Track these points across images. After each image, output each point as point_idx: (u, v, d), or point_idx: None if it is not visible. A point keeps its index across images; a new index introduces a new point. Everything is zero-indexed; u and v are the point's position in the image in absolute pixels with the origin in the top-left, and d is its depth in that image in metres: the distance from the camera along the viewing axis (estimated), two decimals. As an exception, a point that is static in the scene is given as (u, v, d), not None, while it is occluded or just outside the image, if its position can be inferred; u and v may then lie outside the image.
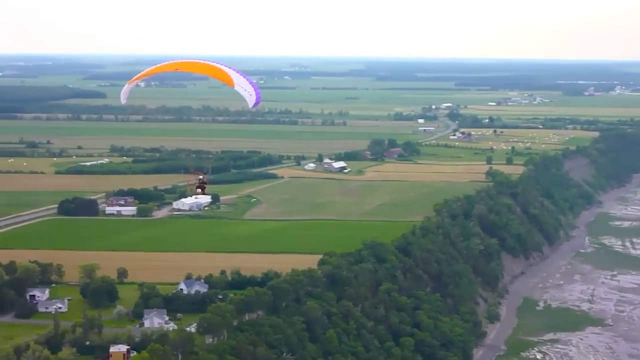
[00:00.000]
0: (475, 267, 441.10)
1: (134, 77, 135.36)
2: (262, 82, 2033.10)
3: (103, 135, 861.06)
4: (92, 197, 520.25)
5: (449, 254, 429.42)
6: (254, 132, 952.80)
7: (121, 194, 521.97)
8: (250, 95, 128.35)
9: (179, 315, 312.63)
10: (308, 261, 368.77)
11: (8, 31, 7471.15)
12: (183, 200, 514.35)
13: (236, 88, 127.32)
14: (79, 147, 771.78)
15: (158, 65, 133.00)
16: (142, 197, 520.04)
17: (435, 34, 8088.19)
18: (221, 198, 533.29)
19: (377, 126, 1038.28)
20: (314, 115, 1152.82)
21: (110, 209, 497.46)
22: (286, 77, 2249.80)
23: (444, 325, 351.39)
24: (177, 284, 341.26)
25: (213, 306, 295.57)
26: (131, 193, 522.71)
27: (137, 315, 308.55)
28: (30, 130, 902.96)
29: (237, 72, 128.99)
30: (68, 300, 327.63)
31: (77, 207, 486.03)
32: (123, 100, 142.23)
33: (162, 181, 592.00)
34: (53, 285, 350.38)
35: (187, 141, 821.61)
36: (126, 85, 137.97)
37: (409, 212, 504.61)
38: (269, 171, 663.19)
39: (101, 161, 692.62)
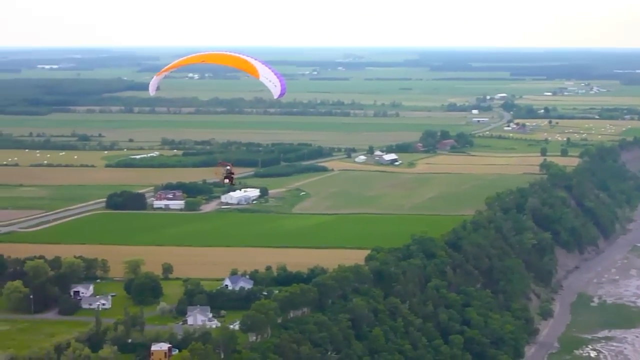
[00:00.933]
0: (527, 262, 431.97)
1: (162, 70, 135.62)
2: (315, 73, 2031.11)
3: (155, 128, 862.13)
4: (140, 191, 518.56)
5: (500, 248, 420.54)
6: (305, 124, 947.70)
7: (170, 187, 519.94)
8: (275, 86, 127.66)
9: (223, 312, 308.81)
10: (355, 256, 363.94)
11: (65, 24, 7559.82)
12: (231, 194, 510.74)
13: (261, 79, 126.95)
14: (130, 140, 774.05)
15: (185, 57, 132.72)
16: (191, 191, 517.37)
17: (491, 23, 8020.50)
18: (270, 192, 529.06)
19: (430, 117, 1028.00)
20: (366, 106, 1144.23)
21: (158, 203, 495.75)
22: (340, 68, 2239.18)
23: (495, 322, 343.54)
24: (222, 279, 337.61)
25: (257, 303, 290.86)
26: (180, 187, 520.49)
27: (180, 312, 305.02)
28: (83, 123, 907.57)
29: (263, 64, 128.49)
30: (112, 296, 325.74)
31: (125, 201, 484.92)
32: (152, 92, 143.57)
33: (211, 174, 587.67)
34: (98, 280, 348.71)
35: (238, 133, 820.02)
36: (154, 77, 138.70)
37: (461, 206, 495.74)
38: (319, 164, 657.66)
39: (151, 154, 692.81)
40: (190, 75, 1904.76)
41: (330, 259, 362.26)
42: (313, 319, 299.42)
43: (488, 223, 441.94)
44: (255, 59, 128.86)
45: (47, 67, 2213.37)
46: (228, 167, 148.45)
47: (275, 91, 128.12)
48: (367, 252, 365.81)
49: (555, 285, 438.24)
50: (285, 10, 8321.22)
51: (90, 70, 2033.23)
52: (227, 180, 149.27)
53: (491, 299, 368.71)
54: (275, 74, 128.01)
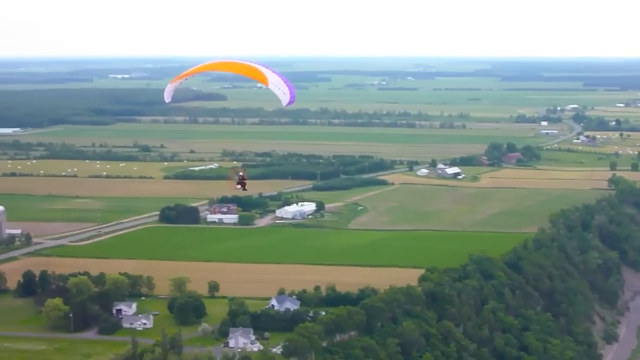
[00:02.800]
0: (592, 283, 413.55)
1: (175, 77, 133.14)
2: (383, 83, 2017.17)
3: (217, 139, 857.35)
4: (194, 205, 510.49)
5: (563, 269, 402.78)
6: (369, 135, 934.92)
7: (224, 201, 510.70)
8: (285, 94, 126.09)
9: (266, 334, 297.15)
10: (409, 276, 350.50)
11: (138, 33, 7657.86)
12: (286, 208, 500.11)
13: (270, 87, 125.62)
14: (192, 151, 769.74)
15: (198, 66, 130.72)
16: (246, 205, 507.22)
17: (565, 32, 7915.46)
18: (326, 206, 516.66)
19: (497, 129, 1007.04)
20: (432, 117, 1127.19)
21: (211, 217, 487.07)
22: (409, 77, 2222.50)
23: (555, 347, 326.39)
24: (269, 299, 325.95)
25: (300, 326, 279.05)
26: (234, 200, 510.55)
27: (223, 334, 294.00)
28: (146, 133, 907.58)
29: (273, 72, 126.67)
30: (154, 315, 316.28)
31: (178, 215, 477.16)
32: (167, 99, 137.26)
33: (269, 187, 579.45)
34: (142, 298, 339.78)
35: (300, 145, 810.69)
36: (169, 85, 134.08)
37: (523, 223, 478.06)
38: (380, 177, 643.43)
39: (210, 166, 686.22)
40: (259, 85, 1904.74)
41: (383, 278, 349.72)
42: (360, 343, 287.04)
43: (551, 242, 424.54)
44: (266, 67, 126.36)
45: (119, 76, 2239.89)
46: (241, 173, 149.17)
47: (285, 99, 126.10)
48: (422, 271, 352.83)
49: (622, 308, 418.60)
50: (357, 20, 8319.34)
51: (160, 80, 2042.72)
52: (239, 186, 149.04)
53: (552, 322, 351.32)
54: (285, 82, 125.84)
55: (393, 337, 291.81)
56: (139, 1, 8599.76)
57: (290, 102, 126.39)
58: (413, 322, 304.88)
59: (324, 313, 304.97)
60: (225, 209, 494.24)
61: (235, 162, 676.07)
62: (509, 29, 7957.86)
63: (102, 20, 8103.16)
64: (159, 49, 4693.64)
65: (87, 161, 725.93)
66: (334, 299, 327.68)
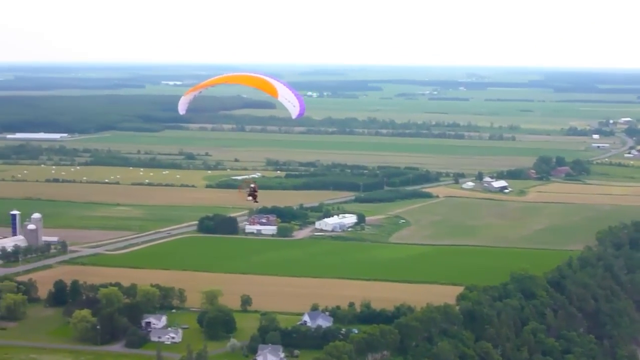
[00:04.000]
0: (639, 304, 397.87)
1: (189, 90, 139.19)
2: (435, 93, 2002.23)
3: (262, 147, 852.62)
4: (234, 215, 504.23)
5: (609, 289, 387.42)
6: (416, 146, 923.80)
7: (264, 211, 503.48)
8: (294, 106, 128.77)
9: (296, 351, 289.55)
10: (448, 293, 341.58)
11: (195, 40, 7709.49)
12: (326, 220, 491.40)
13: (279, 99, 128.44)
14: (236, 160, 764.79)
15: (210, 79, 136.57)
16: (285, 216, 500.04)
17: (620, 43, 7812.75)
18: (367, 218, 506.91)
19: (547, 141, 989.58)
20: (482, 128, 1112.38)
21: (250, 228, 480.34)
22: (461, 87, 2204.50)
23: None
24: (302, 314, 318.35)
25: (330, 345, 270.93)
26: (274, 211, 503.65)
27: (252, 350, 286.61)
28: (192, 141, 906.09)
29: (283, 84, 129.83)
30: (184, 329, 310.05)
31: (216, 225, 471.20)
32: (181, 111, 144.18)
33: (311, 198, 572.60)
34: (173, 311, 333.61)
35: (345, 155, 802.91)
36: (183, 97, 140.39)
37: (569, 240, 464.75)
38: (424, 189, 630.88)
39: (252, 175, 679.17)
40: (310, 93, 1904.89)
41: (421, 295, 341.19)
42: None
43: (597, 260, 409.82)
44: (276, 80, 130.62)
45: (171, 83, 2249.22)
46: (252, 185, 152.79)
47: (294, 111, 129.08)
48: (461, 289, 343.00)
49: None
50: (412, 29, 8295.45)
51: (213, 87, 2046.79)
52: (250, 198, 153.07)
53: (595, 345, 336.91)
54: (295, 95, 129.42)
55: (427, 357, 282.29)
56: (196, 9, 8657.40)
57: (300, 115, 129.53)
58: (449, 342, 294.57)
59: (356, 331, 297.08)
60: (264, 220, 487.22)
61: (254, 175, 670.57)
62: (564, 39, 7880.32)
63: (159, 27, 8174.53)
64: (214, 56, 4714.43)
65: (131, 168, 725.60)
66: (368, 316, 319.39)
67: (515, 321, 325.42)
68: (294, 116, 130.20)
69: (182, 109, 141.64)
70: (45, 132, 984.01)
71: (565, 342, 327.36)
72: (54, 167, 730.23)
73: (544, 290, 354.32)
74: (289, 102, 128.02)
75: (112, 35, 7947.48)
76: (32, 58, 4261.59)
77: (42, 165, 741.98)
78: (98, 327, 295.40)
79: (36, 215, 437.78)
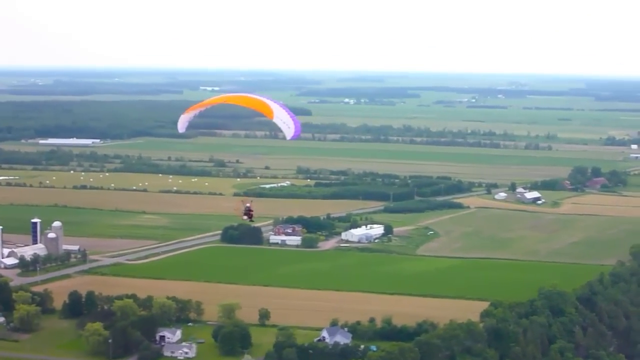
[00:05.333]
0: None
1: (189, 108, 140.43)
2: (473, 100, 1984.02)
3: (294, 155, 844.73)
4: (258, 225, 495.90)
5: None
6: (450, 155, 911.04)
7: (290, 221, 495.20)
8: (289, 127, 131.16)
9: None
10: (473, 309, 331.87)
11: (230, 46, 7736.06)
12: (352, 231, 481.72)
13: (275, 120, 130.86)
14: (266, 168, 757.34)
15: (210, 99, 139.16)
16: (311, 226, 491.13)
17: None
18: (395, 229, 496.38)
19: (585, 151, 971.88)
20: (518, 137, 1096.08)
21: (275, 238, 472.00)
22: (500, 95, 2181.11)
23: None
24: (321, 329, 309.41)
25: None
26: (300, 221, 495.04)
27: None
28: (224, 148, 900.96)
29: (280, 106, 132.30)
30: (199, 343, 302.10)
31: (240, 235, 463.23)
32: (180, 130, 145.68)
33: (339, 208, 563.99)
34: (190, 324, 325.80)
35: (377, 163, 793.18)
36: (182, 116, 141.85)
37: (603, 254, 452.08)
38: (456, 200, 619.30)
39: (282, 184, 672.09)
40: (347, 100, 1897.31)
41: (445, 311, 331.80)
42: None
43: (630, 276, 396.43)
44: (274, 102, 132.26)
45: (209, 88, 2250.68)
46: (248, 205, 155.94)
47: (289, 132, 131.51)
48: (487, 304, 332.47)
49: None
50: (452, 36, 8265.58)
51: (250, 94, 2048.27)
52: (245, 217, 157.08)
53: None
54: (291, 116, 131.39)
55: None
56: (235, 14, 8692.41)
57: (295, 136, 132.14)
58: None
59: (375, 348, 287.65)
60: (290, 230, 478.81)
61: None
62: (607, 46, 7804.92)
63: (200, 32, 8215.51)
64: (253, 62, 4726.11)
65: (160, 175, 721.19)
66: (388, 332, 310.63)
67: (542, 339, 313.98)
68: (288, 137, 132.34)
69: (181, 127, 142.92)
70: (78, 137, 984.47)
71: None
72: (83, 173, 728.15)
73: (573, 307, 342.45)
74: (284, 124, 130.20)
75: (153, 40, 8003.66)
76: (72, 62, 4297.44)
77: (72, 172, 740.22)
78: (110, 340, 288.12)
79: (57, 223, 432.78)
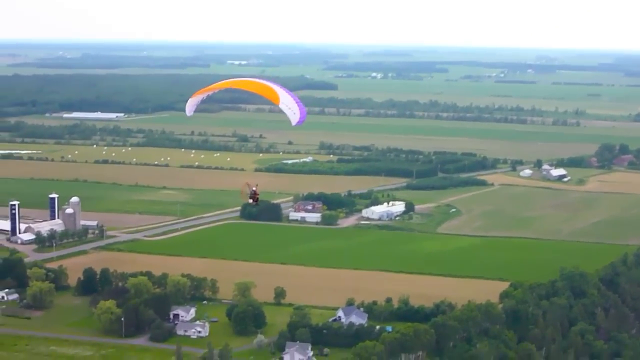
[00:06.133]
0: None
1: (195, 93, 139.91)
2: (502, 75, 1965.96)
3: (318, 130, 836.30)
4: (279, 201, 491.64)
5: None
6: (476, 130, 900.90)
7: (310, 198, 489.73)
8: (294, 113, 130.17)
9: (326, 350, 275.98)
10: (493, 289, 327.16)
11: (258, 19, 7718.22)
12: (373, 208, 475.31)
13: (280, 106, 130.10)
14: (289, 143, 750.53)
15: (217, 83, 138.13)
16: (332, 203, 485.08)
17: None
18: (416, 207, 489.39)
19: (613, 128, 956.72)
20: (546, 113, 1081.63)
21: (294, 215, 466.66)
22: (529, 70, 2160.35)
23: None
24: (337, 309, 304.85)
25: (359, 346, 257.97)
26: (320, 197, 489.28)
27: (280, 347, 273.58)
28: (248, 122, 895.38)
29: (286, 92, 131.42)
30: (213, 322, 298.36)
31: (259, 211, 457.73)
32: (188, 113, 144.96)
33: (361, 184, 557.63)
34: (204, 302, 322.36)
35: (401, 139, 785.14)
36: (190, 100, 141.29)
37: (627, 233, 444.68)
38: (480, 177, 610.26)
39: (304, 159, 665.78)
40: (374, 74, 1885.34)
41: (464, 291, 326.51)
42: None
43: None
44: (280, 87, 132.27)
45: (236, 62, 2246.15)
46: (254, 188, 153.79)
47: (294, 118, 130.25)
48: (507, 284, 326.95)
49: None
50: (481, 10, 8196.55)
51: (276, 67, 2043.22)
52: (251, 200, 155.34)
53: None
54: (296, 102, 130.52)
55: (465, 359, 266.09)
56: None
57: (300, 122, 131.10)
58: (490, 343, 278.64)
59: (390, 329, 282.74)
60: (310, 207, 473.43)
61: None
62: (637, 21, 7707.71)
63: (228, 5, 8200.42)
64: (280, 35, 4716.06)
65: (183, 150, 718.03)
66: (405, 313, 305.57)
67: (563, 321, 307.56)
68: (293, 123, 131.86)
69: (189, 110, 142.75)
70: (102, 111, 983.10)
71: (616, 344, 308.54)
72: (105, 147, 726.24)
73: (595, 288, 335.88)
74: (290, 109, 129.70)
75: (182, 13, 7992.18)
76: (101, 36, 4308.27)
77: (94, 146, 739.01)
78: (122, 319, 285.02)
79: (74, 199, 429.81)
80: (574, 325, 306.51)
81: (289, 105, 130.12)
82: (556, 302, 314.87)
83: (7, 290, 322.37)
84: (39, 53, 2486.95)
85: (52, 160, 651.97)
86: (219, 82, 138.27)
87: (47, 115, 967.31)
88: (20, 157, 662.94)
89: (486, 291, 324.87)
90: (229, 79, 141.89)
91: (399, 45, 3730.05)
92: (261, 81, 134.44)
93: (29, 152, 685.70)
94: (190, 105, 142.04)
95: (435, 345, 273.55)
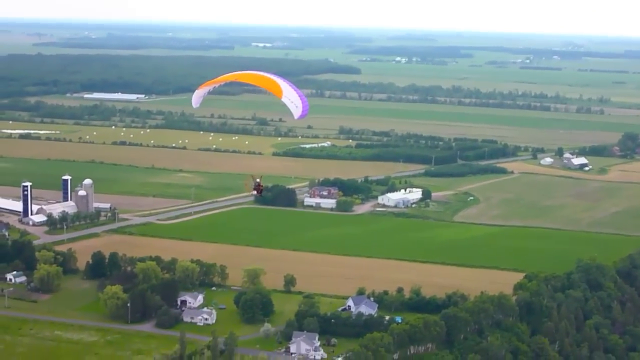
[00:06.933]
0: None
1: (202, 85, 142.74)
2: (527, 61, 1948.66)
3: (338, 115, 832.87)
4: (294, 186, 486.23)
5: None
6: (498, 117, 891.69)
7: (326, 183, 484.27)
8: (297, 107, 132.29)
9: (333, 340, 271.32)
10: (507, 280, 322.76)
11: (284, 2, 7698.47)
12: (389, 195, 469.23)
13: (283, 99, 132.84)
14: (309, 127, 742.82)
15: (222, 76, 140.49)
16: (348, 189, 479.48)
17: None
18: (433, 194, 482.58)
19: (637, 116, 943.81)
20: (570, 100, 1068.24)
21: (309, 200, 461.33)
22: (555, 57, 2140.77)
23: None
24: (347, 298, 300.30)
25: (367, 337, 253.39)
26: (336, 183, 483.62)
27: (287, 336, 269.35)
28: (268, 106, 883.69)
29: (290, 85, 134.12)
30: (221, 309, 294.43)
31: (274, 196, 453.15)
32: (195, 105, 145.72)
33: (378, 170, 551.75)
34: (213, 288, 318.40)
35: (422, 125, 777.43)
36: (196, 91, 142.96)
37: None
38: (499, 164, 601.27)
39: (322, 144, 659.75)
40: (398, 59, 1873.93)
41: (478, 282, 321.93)
42: (436, 357, 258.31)
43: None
44: (284, 81, 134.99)
45: (261, 45, 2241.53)
46: (258, 180, 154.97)
47: (296, 112, 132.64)
48: (522, 275, 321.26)
49: None
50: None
51: (301, 50, 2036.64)
52: (255, 192, 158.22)
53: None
54: (299, 95, 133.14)
55: (475, 352, 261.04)
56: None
57: (302, 116, 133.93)
58: (502, 335, 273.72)
59: (400, 320, 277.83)
60: (325, 192, 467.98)
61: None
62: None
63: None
64: (305, 18, 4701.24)
65: (201, 132, 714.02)
66: (416, 303, 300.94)
67: (577, 314, 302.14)
68: (295, 117, 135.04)
69: (195, 102, 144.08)
70: (123, 92, 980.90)
71: (631, 338, 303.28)
72: (124, 129, 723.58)
73: (612, 281, 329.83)
74: (292, 103, 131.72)
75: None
76: (127, 16, 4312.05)
77: (113, 127, 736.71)
78: (128, 304, 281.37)
79: (87, 181, 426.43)
80: (589, 319, 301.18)
81: (291, 99, 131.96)
82: (571, 294, 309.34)
83: (15, 272, 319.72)
84: (65, 33, 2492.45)
85: (70, 140, 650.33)
86: (224, 75, 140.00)
87: (67, 95, 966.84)
88: (38, 137, 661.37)
89: (501, 282, 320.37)
90: (235, 72, 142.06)
91: (424, 29, 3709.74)
92: (265, 74, 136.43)
93: (47, 132, 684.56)
94: (197, 97, 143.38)
95: (445, 337, 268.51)
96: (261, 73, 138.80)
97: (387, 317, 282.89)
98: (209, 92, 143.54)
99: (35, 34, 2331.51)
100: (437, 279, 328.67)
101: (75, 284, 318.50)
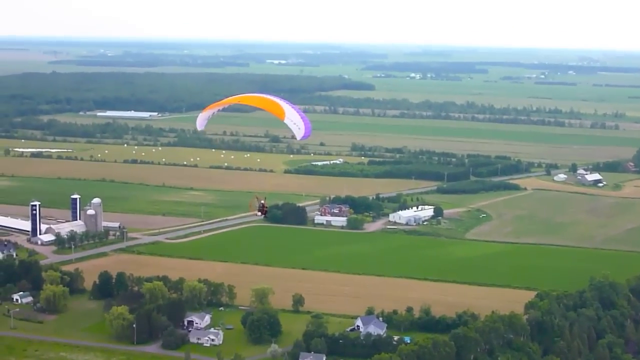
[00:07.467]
0: None
1: (206, 107, 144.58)
2: (542, 76, 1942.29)
3: (351, 131, 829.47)
4: (304, 204, 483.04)
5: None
6: (511, 133, 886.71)
7: (337, 201, 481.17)
8: (299, 129, 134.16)
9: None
10: (519, 298, 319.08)
11: (299, 19, 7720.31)
12: (400, 212, 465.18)
13: (285, 121, 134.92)
14: (321, 144, 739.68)
15: (226, 99, 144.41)
16: (359, 206, 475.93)
17: None
18: (445, 211, 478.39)
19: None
20: (585, 115, 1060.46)
21: (320, 218, 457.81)
22: (570, 71, 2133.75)
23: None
24: (355, 317, 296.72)
25: (375, 358, 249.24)
26: (347, 201, 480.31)
27: (294, 357, 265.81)
28: (280, 123, 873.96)
29: (292, 107, 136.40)
30: (228, 329, 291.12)
31: (284, 214, 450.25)
32: (199, 127, 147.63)
33: (390, 187, 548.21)
34: (221, 308, 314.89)
35: (435, 141, 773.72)
36: (201, 114, 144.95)
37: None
38: (513, 181, 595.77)
39: (334, 161, 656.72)
40: (412, 75, 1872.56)
41: (489, 300, 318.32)
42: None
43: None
44: (286, 102, 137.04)
45: (275, 62, 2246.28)
46: (262, 202, 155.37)
47: (299, 133, 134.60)
48: (534, 294, 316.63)
49: None
50: (522, 11, 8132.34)
51: (316, 67, 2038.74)
52: (259, 213, 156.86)
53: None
54: (301, 117, 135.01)
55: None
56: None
57: (305, 137, 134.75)
58: (513, 355, 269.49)
59: (409, 340, 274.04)
60: (336, 210, 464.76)
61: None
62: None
63: (269, 4, 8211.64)
64: (321, 35, 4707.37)
65: (213, 150, 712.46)
66: (426, 323, 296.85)
67: (590, 334, 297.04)
68: (298, 138, 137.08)
69: (200, 124, 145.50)
70: (136, 110, 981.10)
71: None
72: (136, 147, 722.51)
73: (625, 299, 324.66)
74: (295, 125, 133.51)
75: (223, 11, 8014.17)
76: (144, 34, 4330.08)
77: (125, 145, 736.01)
78: (134, 325, 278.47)
79: (96, 200, 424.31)
80: (601, 338, 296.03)
81: (294, 121, 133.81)
82: (584, 313, 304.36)
83: (21, 293, 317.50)
84: (82, 51, 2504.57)
85: (82, 159, 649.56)
86: (228, 98, 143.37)
87: (80, 113, 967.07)
88: (49, 156, 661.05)
89: (511, 300, 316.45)
90: (247, 89, 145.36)
91: (439, 45, 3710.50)
92: (268, 97, 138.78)
93: (59, 150, 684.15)
94: (201, 120, 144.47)
95: (455, 358, 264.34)
96: (264, 95, 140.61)
97: (395, 338, 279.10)
98: (214, 115, 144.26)
99: (51, 52, 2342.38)
100: (447, 298, 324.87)
101: (81, 304, 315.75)
